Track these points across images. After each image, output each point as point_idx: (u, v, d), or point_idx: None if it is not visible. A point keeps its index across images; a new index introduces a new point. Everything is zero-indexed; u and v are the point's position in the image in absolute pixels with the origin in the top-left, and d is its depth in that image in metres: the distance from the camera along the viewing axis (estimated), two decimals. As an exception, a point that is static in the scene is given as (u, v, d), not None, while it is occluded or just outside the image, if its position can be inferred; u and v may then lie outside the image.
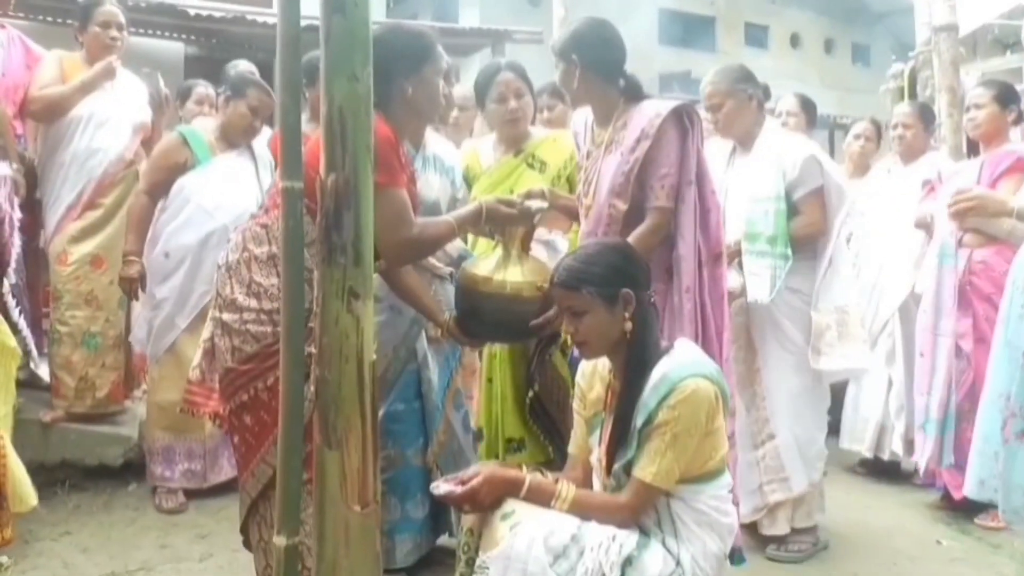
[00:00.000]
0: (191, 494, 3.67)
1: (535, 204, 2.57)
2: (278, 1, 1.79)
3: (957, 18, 4.66)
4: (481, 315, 2.52)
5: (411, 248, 2.39)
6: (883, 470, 4.17)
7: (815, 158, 3.13)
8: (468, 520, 2.15)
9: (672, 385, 2.00)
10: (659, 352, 2.10)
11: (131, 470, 3.83)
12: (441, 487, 2.11)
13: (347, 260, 1.75)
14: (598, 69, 2.71)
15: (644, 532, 2.06)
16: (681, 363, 2.06)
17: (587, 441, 2.28)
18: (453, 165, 3.09)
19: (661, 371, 2.04)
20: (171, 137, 3.68)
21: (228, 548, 3.15)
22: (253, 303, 2.18)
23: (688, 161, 2.64)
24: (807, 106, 4.39)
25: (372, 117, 1.78)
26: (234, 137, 3.68)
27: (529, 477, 2.09)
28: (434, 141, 3.04)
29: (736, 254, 3.14)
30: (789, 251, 3.06)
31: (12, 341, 2.90)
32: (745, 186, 3.20)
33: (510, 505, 2.05)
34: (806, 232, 3.13)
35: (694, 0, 17.13)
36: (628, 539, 2.00)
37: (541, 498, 2.06)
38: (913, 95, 5.45)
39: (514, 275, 2.47)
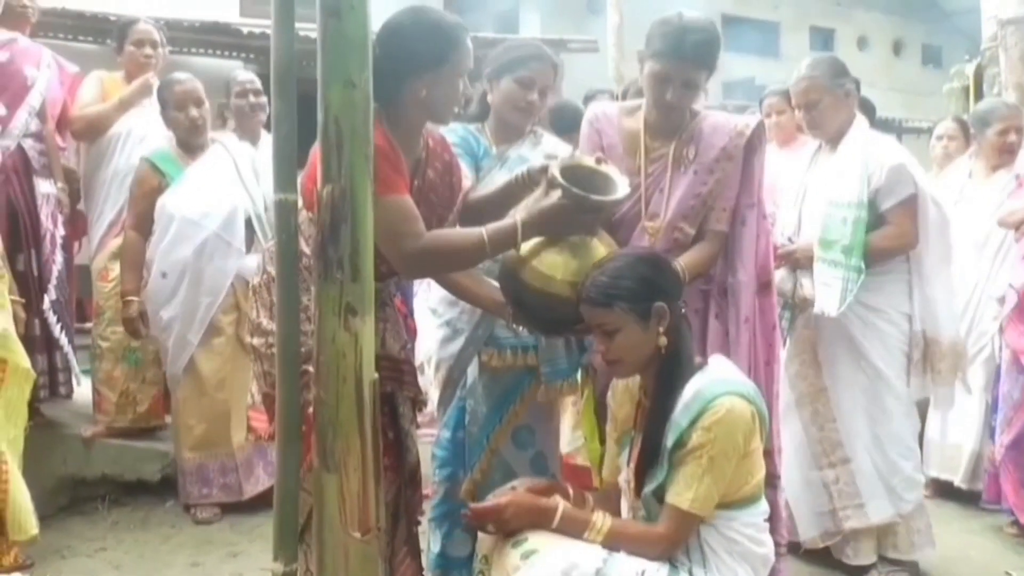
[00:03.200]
0: (227, 510, 3.66)
1: (620, 187, 2.07)
2: (273, 11, 1.74)
3: (1027, 11, 4.41)
4: (527, 308, 2.12)
5: (419, 262, 2.05)
6: (949, 492, 3.92)
7: (904, 167, 2.90)
8: (484, 547, 2.06)
9: (705, 403, 1.88)
10: (692, 368, 1.98)
11: (169, 486, 3.84)
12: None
13: (344, 275, 1.68)
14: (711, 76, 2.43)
15: (673, 563, 1.93)
16: (715, 380, 1.94)
17: (617, 463, 2.17)
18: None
19: (694, 388, 1.92)
20: (139, 167, 3.67)
21: (257, 567, 3.12)
22: (275, 326, 2.11)
23: (752, 182, 2.46)
24: (865, 108, 4.15)
25: (372, 125, 1.70)
26: (186, 140, 3.67)
27: (562, 506, 1.98)
28: (544, 143, 2.72)
29: (809, 259, 2.95)
30: (862, 264, 2.84)
31: (26, 362, 2.90)
32: (825, 188, 3.00)
33: (524, 531, 1.95)
34: (893, 244, 2.92)
35: (757, 5, 16.81)
36: (657, 573, 1.88)
37: (574, 528, 1.94)
38: (979, 94, 5.17)
39: (567, 268, 2.03)
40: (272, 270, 2.17)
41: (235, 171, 3.66)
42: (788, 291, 3.00)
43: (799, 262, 2.98)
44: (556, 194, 2.02)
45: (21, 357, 2.88)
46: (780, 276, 2.97)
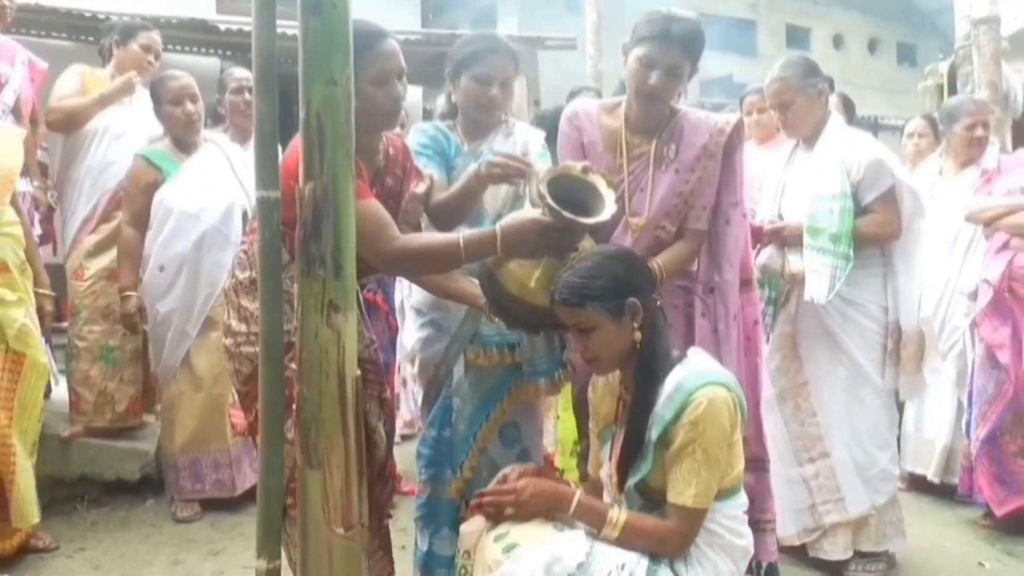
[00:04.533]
0: (208, 508, 3.65)
1: (607, 200, 2.05)
2: (253, 7, 1.74)
3: (999, 10, 4.46)
4: (506, 310, 2.14)
5: (394, 264, 2.13)
6: (925, 486, 3.96)
7: (882, 162, 2.94)
8: (465, 543, 2.06)
9: (687, 394, 1.89)
10: (671, 361, 1.99)
11: (149, 485, 3.83)
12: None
13: (326, 272, 1.68)
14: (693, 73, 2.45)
15: (654, 557, 1.93)
16: (695, 372, 1.95)
17: (599, 457, 2.18)
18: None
19: (675, 380, 1.93)
20: (134, 163, 3.66)
21: (240, 565, 3.11)
22: (243, 327, 2.15)
23: (734, 181, 2.48)
24: (845, 105, 4.19)
25: (353, 123, 1.71)
26: (182, 137, 3.67)
27: (579, 494, 1.99)
28: (516, 134, 2.66)
29: (797, 237, 2.96)
30: (851, 252, 2.87)
31: (43, 357, 3.03)
32: (807, 184, 3.02)
33: (504, 526, 1.96)
34: (878, 231, 2.95)
35: (734, 3, 16.95)
36: (638, 567, 1.88)
37: (590, 517, 1.95)
38: (954, 93, 5.23)
39: (543, 273, 2.03)
40: (240, 274, 2.20)
41: (229, 167, 3.67)
42: (777, 269, 3.01)
43: (787, 240, 2.99)
44: (536, 212, 2.02)
45: (39, 352, 3.01)
46: (768, 254, 3.00)
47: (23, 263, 3.06)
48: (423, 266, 2.22)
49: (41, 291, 3.22)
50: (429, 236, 2.25)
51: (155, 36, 4.03)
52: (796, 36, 17.67)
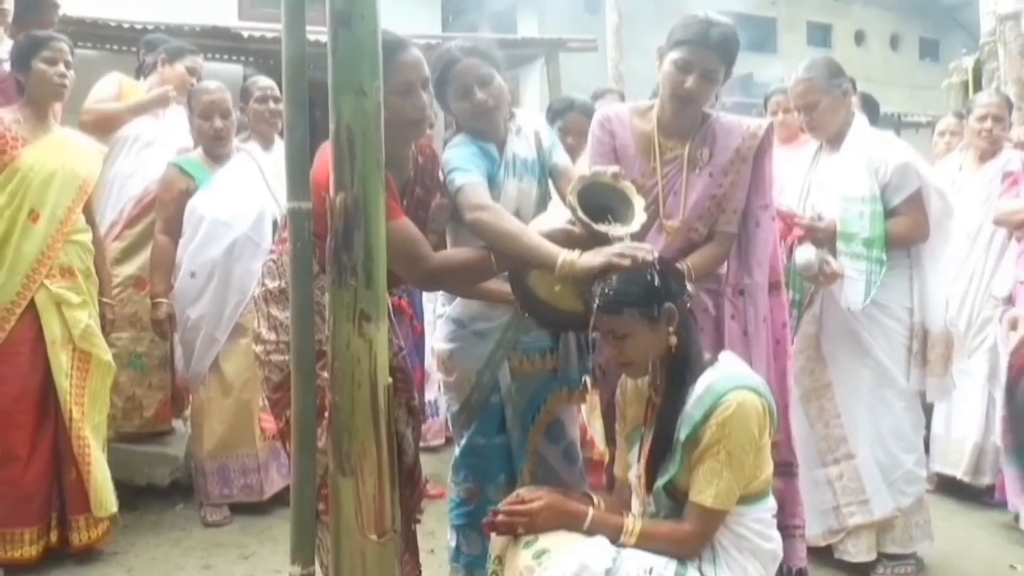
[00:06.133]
0: (237, 512, 3.68)
1: (637, 208, 2.10)
2: (283, 18, 1.76)
3: (1025, 6, 4.43)
4: (536, 314, 2.20)
5: (429, 282, 2.21)
6: (954, 488, 3.93)
7: (909, 164, 2.93)
8: (496, 547, 2.07)
9: (717, 398, 1.90)
10: (702, 364, 2.00)
11: (178, 489, 3.87)
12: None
13: (358, 282, 1.69)
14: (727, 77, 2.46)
15: (681, 560, 1.94)
16: (726, 375, 1.96)
17: (627, 460, 2.18)
18: (533, 157, 2.53)
19: (706, 383, 1.94)
20: (167, 171, 3.72)
21: (270, 569, 3.15)
22: (273, 336, 2.19)
23: (764, 184, 2.49)
24: (868, 104, 4.16)
25: (382, 133, 1.72)
26: (213, 148, 3.72)
27: (592, 511, 2.00)
28: (524, 127, 2.55)
29: (830, 239, 2.94)
30: (884, 256, 2.87)
31: (108, 356, 3.23)
32: (833, 185, 3.00)
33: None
34: (909, 232, 2.94)
35: (755, 1, 16.84)
36: (666, 570, 1.90)
37: (606, 532, 1.95)
38: (978, 89, 5.19)
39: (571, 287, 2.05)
40: (269, 283, 2.22)
41: (261, 176, 3.73)
42: (814, 265, 2.92)
43: (819, 240, 2.96)
44: (564, 216, 2.06)
45: (103, 351, 3.22)
46: (804, 253, 2.93)
47: (88, 269, 3.25)
48: (457, 281, 2.28)
49: (104, 299, 3.38)
50: (461, 252, 2.27)
51: (200, 60, 4.17)
52: (817, 33, 17.56)
